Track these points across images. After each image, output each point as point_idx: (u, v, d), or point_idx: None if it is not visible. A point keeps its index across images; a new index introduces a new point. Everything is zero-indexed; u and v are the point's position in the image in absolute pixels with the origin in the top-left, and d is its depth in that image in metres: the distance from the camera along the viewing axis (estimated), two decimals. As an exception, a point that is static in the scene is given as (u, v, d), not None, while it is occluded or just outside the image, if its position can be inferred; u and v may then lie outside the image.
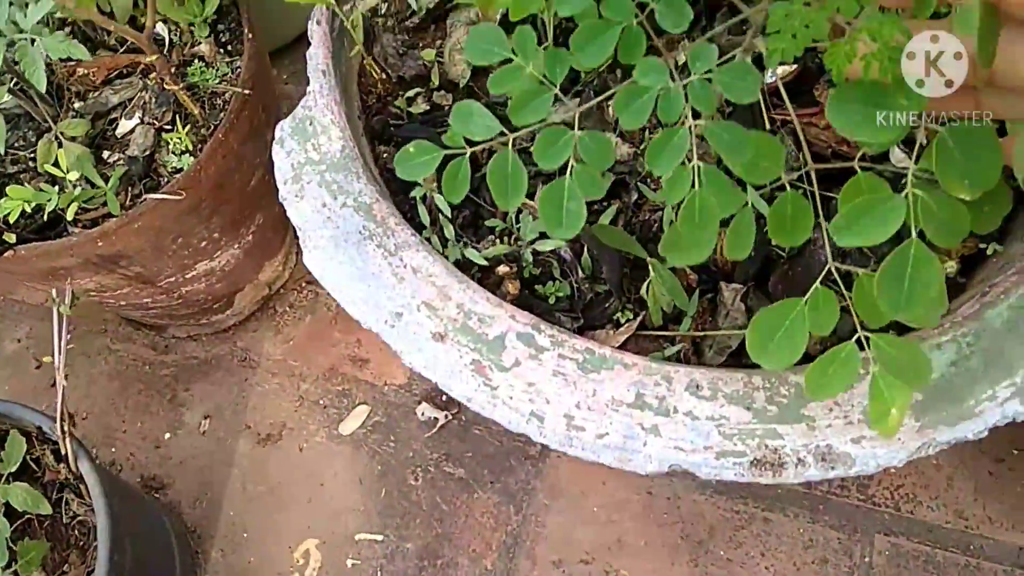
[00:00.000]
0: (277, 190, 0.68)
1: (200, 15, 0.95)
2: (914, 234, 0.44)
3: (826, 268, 0.52)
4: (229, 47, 1.00)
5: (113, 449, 1.29)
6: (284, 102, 1.32)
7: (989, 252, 0.72)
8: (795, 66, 0.77)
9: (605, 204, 0.73)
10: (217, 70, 0.98)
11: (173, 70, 0.98)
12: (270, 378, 1.33)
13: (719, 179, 0.44)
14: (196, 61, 0.99)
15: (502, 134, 0.48)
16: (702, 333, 0.68)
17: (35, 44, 0.82)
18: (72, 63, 0.97)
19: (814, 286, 0.51)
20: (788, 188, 0.52)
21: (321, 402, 1.31)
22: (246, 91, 0.93)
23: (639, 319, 0.70)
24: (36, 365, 1.35)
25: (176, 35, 1.00)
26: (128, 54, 0.98)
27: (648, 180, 0.75)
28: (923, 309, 0.46)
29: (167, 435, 1.30)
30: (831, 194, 0.54)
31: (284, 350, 1.35)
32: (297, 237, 0.66)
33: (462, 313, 0.62)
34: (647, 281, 0.69)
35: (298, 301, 1.37)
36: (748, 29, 0.46)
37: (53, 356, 0.89)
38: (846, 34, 0.45)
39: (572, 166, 0.46)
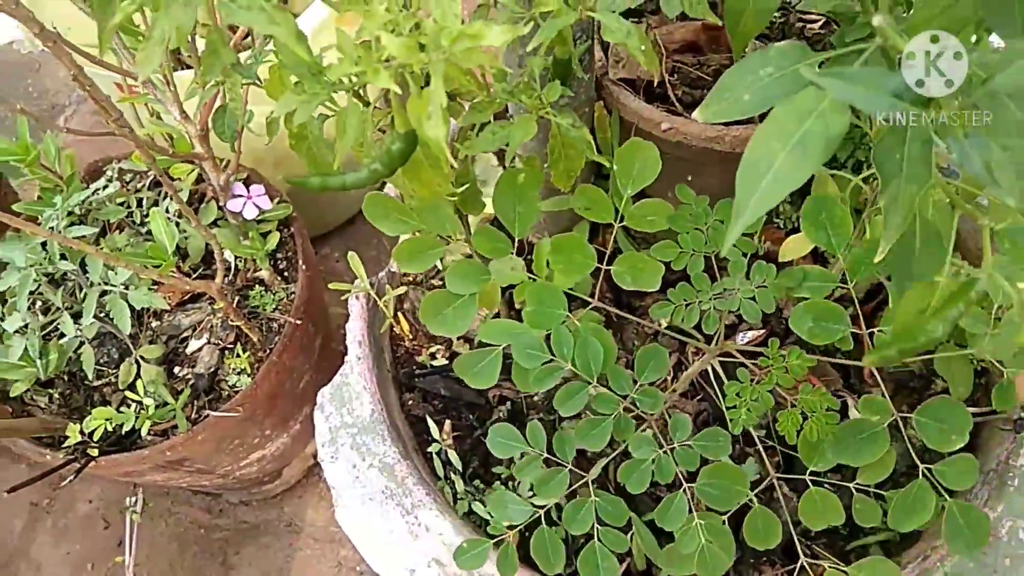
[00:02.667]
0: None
1: (261, 249, 1.11)
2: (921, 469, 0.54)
3: (799, 565, 0.63)
4: (286, 274, 1.16)
5: (169, 609, 1.42)
6: (332, 299, 1.48)
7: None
8: (763, 330, 0.88)
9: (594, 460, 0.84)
10: (275, 294, 1.14)
11: (237, 293, 1.14)
12: (312, 543, 1.45)
13: (717, 528, 0.56)
14: (257, 285, 1.15)
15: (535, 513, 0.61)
16: (677, 582, 0.78)
17: (124, 297, 0.98)
18: (153, 288, 1.13)
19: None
20: (756, 504, 0.63)
21: (358, 568, 1.42)
22: (298, 320, 1.08)
23: (625, 564, 0.80)
24: (105, 526, 1.49)
25: (241, 262, 1.16)
26: (200, 280, 1.14)
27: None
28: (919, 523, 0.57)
29: (217, 596, 1.42)
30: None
31: (326, 516, 1.46)
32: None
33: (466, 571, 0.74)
34: (630, 533, 0.80)
35: (340, 469, 1.49)
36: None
37: (125, 548, 1.02)
38: (788, 404, 0.57)
39: (597, 529, 0.58)
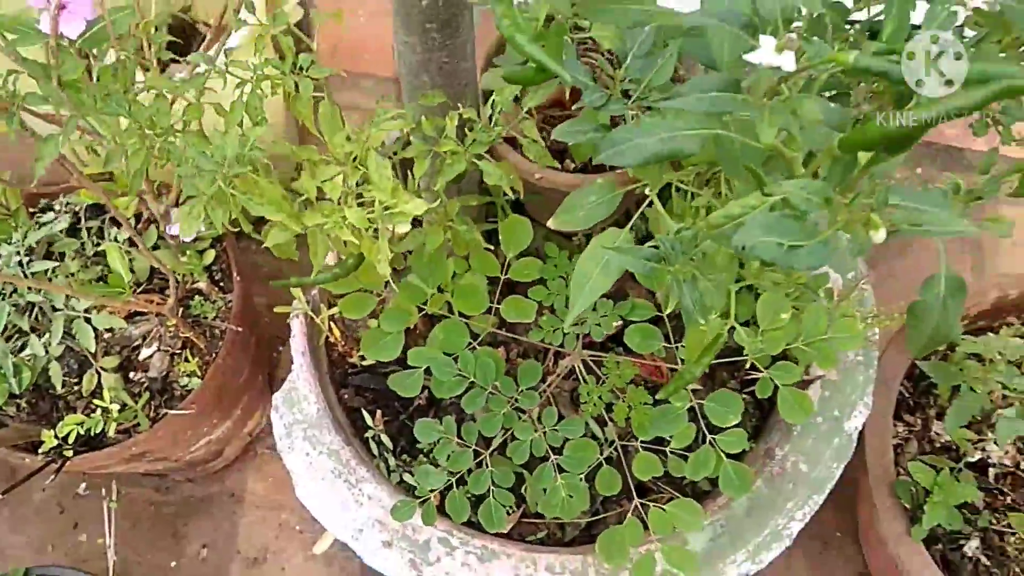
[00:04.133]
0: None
1: (199, 265, 1.29)
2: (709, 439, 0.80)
3: (633, 504, 0.88)
4: (222, 284, 1.34)
5: (130, 578, 1.60)
6: (257, 290, 1.65)
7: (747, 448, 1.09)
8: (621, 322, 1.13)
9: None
10: (214, 303, 1.31)
11: (179, 304, 1.31)
12: (255, 510, 1.65)
13: (575, 485, 0.80)
14: (196, 296, 1.33)
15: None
16: (560, 520, 1.04)
17: (88, 321, 1.15)
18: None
19: (628, 518, 0.87)
20: (604, 465, 0.88)
21: (297, 528, 1.63)
22: (237, 328, 1.27)
23: (522, 509, 1.05)
24: (60, 511, 1.65)
25: (180, 276, 1.33)
26: (146, 295, 1.31)
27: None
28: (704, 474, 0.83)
29: (173, 563, 1.61)
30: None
31: (265, 486, 1.67)
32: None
33: (401, 525, 0.97)
34: (524, 485, 1.04)
35: (274, 443, 1.69)
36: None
37: (105, 536, 1.20)
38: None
39: (492, 489, 0.81)
